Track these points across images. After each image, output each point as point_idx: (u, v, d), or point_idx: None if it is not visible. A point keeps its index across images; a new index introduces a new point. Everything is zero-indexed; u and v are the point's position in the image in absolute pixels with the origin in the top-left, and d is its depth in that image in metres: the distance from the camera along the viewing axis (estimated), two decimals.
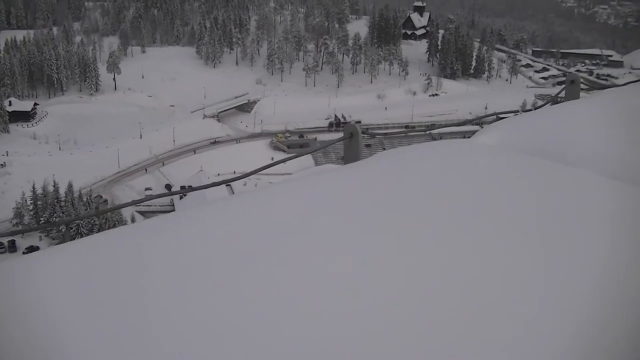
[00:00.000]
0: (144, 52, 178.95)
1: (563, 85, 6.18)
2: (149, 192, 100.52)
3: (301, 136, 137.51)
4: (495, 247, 2.15)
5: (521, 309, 1.81)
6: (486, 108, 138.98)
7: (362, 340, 1.69)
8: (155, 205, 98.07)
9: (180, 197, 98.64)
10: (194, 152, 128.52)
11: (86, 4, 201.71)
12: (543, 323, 1.75)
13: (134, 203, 4.34)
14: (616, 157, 3.37)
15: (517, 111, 5.16)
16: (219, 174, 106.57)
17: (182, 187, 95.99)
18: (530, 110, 5.38)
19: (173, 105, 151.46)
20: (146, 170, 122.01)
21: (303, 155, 14.03)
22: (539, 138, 3.76)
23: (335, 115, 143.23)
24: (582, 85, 5.82)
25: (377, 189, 2.71)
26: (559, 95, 6.41)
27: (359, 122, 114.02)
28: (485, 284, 1.92)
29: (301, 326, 1.72)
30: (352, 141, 4.40)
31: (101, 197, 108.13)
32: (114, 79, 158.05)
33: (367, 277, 1.90)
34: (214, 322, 1.70)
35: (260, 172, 4.65)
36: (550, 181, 2.94)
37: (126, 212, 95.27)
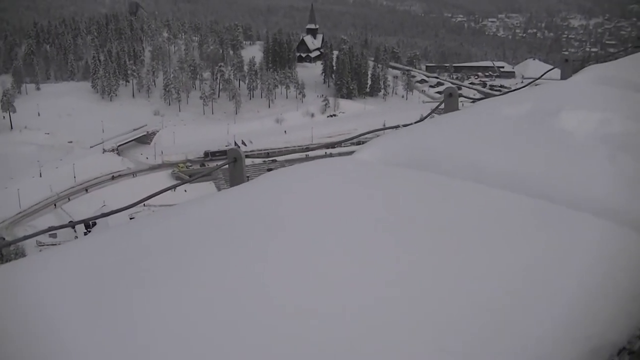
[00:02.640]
0: (38, 89, 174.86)
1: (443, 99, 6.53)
2: (52, 232, 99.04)
3: (202, 165, 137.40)
4: (382, 254, 2.31)
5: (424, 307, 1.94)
6: (384, 125, 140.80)
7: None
8: (61, 243, 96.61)
9: (85, 233, 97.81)
10: (86, 190, 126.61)
11: None
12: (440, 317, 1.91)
13: (29, 237, 4.77)
14: (488, 164, 3.59)
15: (398, 126, 5.33)
16: None
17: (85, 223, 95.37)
18: (410, 124, 5.19)
19: (71, 142, 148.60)
20: (55, 205, 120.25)
21: (187, 183, 16.00)
22: (416, 150, 3.94)
23: (235, 142, 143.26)
24: (479, 96, 6.64)
25: (259, 207, 2.88)
26: (440, 108, 6.70)
27: (239, 146, 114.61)
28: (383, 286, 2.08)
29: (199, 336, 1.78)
30: (236, 165, 4.62)
31: (3, 238, 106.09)
32: (10, 118, 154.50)
33: (249, 295, 2.01)
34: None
35: (161, 203, 5.14)
36: (420, 189, 3.20)
37: (30, 250, 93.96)
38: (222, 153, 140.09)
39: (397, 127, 5.31)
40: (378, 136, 4.49)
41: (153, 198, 4.76)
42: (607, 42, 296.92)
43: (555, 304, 2.05)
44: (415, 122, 5.52)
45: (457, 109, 6.41)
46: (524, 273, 2.19)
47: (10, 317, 1.93)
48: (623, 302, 2.15)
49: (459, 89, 7.49)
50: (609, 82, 5.83)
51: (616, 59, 8.34)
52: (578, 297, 2.11)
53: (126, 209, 4.78)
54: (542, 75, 9.47)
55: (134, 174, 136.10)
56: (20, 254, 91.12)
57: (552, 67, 9.62)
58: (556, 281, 2.16)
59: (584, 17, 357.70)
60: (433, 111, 7.43)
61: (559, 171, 3.47)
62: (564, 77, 7.81)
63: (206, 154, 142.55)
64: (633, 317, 2.13)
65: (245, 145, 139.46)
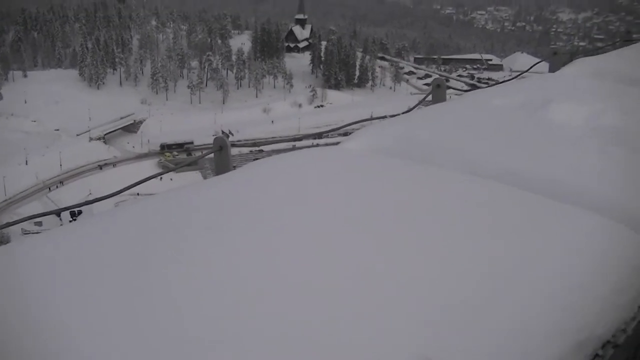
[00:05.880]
0: (25, 76, 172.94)
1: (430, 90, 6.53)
2: (36, 220, 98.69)
3: (189, 154, 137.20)
4: (369, 243, 2.31)
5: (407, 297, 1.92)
6: (372, 116, 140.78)
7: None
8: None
9: (70, 221, 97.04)
10: (61, 183, 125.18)
11: None
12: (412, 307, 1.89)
13: (12, 224, 4.56)
14: (477, 155, 3.61)
15: (385, 116, 5.30)
16: None
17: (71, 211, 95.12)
18: (398, 114, 5.15)
19: (58, 129, 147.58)
20: (50, 189, 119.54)
21: (170, 171, 15.20)
22: (404, 141, 3.94)
23: (222, 131, 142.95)
24: (466, 88, 6.61)
25: (244, 195, 2.88)
26: (427, 99, 6.71)
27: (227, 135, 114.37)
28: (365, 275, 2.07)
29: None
30: (221, 153, 4.58)
31: None
32: None
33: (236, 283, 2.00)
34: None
35: (147, 192, 5.10)
36: (408, 178, 3.20)
37: (15, 238, 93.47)
38: (179, 146, 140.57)
39: (384, 117, 5.29)
40: (364, 127, 4.47)
41: (139, 186, 4.67)
42: (595, 36, 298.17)
43: (542, 296, 2.04)
44: (403, 113, 5.54)
45: (444, 100, 6.41)
46: (511, 265, 2.18)
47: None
48: (611, 295, 2.15)
49: (447, 80, 7.52)
50: (598, 76, 5.85)
51: (604, 53, 8.39)
52: (566, 289, 2.10)
53: (111, 196, 4.71)
54: (530, 68, 9.48)
55: (114, 164, 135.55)
56: (5, 241, 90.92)
57: (539, 60, 9.84)
58: (543, 273, 2.16)
59: (573, 11, 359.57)
60: (421, 102, 7.25)
61: (549, 164, 3.45)
62: (552, 69, 7.84)
63: (162, 147, 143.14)
64: (620, 310, 2.13)
65: (230, 135, 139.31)
